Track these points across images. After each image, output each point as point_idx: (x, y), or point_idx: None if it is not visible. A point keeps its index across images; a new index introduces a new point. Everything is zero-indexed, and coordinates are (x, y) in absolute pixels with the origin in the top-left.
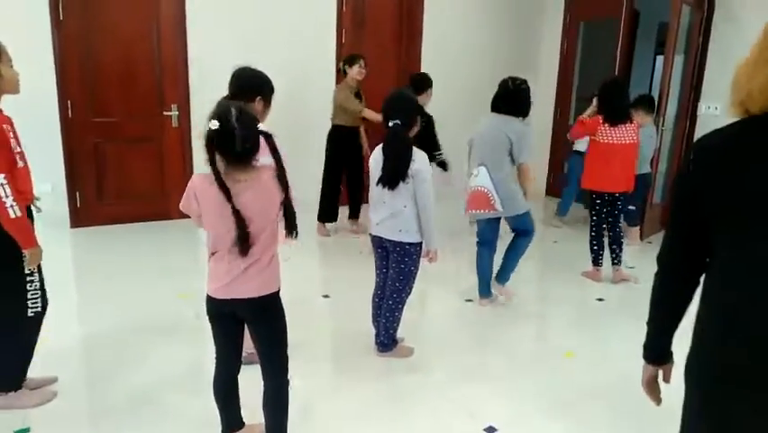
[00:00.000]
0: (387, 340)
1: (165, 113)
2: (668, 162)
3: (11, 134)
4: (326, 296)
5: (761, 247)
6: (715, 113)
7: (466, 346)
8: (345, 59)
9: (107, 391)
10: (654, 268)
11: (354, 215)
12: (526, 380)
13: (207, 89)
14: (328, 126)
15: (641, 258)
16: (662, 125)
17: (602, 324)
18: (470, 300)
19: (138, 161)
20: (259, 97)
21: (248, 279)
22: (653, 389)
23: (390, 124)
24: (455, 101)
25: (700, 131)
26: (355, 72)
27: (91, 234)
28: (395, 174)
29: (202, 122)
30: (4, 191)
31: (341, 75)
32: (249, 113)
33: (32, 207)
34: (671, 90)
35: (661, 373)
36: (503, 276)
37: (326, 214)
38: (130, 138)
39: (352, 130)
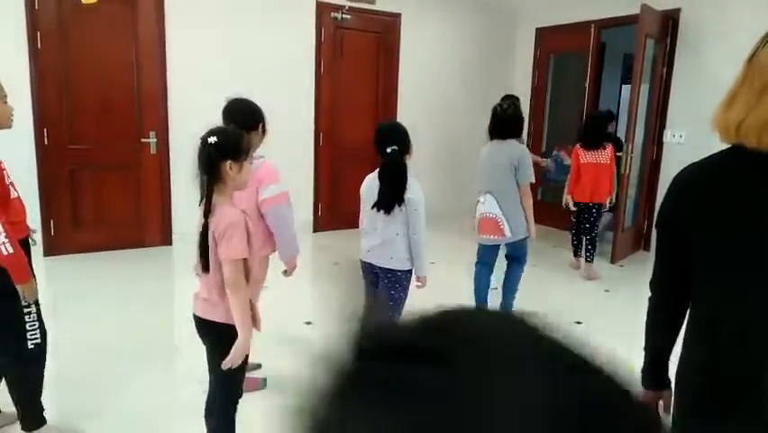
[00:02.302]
0: None
1: (143, 140)
2: (637, 188)
3: (3, 165)
4: (309, 323)
5: (731, 268)
6: (679, 140)
7: None
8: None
9: (86, 422)
10: (628, 291)
11: None
12: None
13: (186, 117)
14: (309, 149)
15: (614, 281)
16: (631, 152)
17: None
18: None
19: (114, 189)
20: (261, 124)
21: (201, 294)
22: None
23: (388, 150)
24: (432, 133)
25: (666, 157)
26: None
27: (65, 263)
28: (392, 198)
29: (179, 149)
30: None
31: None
32: (224, 131)
33: (30, 240)
34: (637, 118)
35: (661, 402)
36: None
37: None
38: (106, 165)
39: None
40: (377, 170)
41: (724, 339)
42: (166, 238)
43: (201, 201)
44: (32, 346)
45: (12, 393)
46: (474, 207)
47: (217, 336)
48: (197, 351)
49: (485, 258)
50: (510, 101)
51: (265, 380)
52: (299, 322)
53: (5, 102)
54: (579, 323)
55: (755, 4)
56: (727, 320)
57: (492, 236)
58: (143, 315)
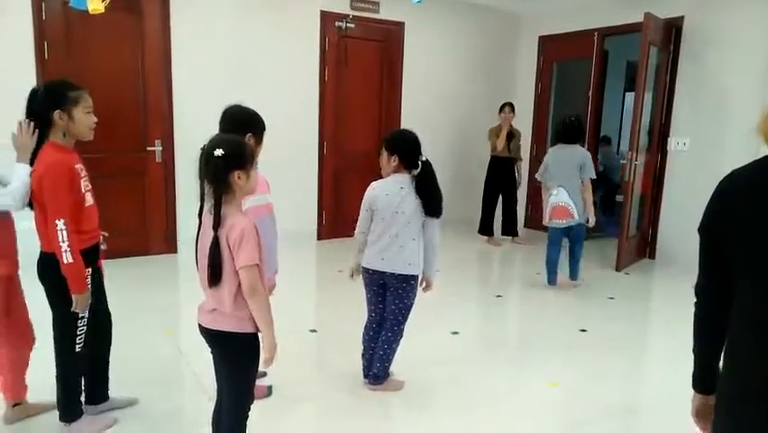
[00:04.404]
0: (381, 373)
1: (149, 148)
2: (641, 195)
3: (82, 173)
4: (314, 330)
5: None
6: (683, 148)
7: (454, 379)
8: (501, 106)
9: None
10: (633, 299)
11: (511, 232)
12: (514, 410)
13: (191, 125)
14: (313, 157)
15: (619, 289)
16: (635, 160)
17: (584, 353)
18: (456, 333)
19: (120, 197)
20: (249, 134)
21: (206, 307)
22: (704, 420)
23: (424, 158)
24: (435, 140)
25: (671, 165)
26: (500, 117)
27: None
28: (439, 203)
29: (184, 157)
30: (62, 237)
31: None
32: (220, 142)
33: (100, 245)
34: (641, 126)
35: (712, 405)
36: (575, 274)
37: (485, 229)
38: (112, 173)
39: (505, 161)
40: (391, 178)
41: (764, 343)
42: (171, 246)
43: (200, 212)
44: (79, 349)
45: (57, 383)
46: (546, 198)
47: (229, 346)
48: (203, 359)
49: (555, 239)
50: (574, 115)
51: (270, 387)
52: (304, 330)
53: (89, 113)
54: (583, 331)
55: (758, 11)
56: (764, 327)
57: (564, 220)
58: (149, 323)
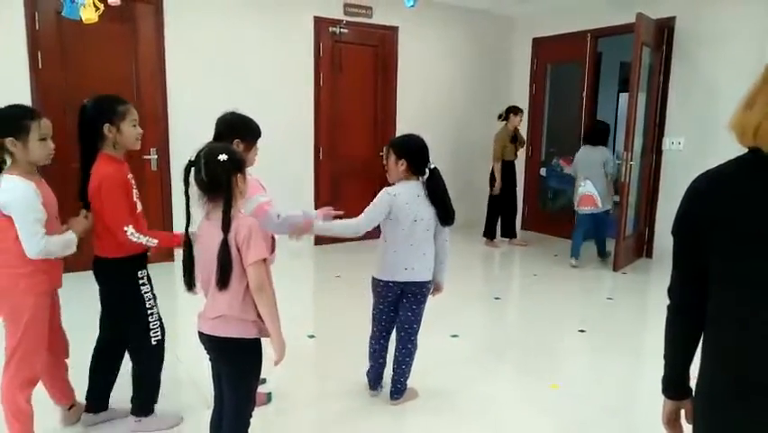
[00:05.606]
0: (403, 387)
1: (144, 156)
2: (637, 195)
3: (132, 182)
4: (312, 336)
5: (749, 270)
6: (678, 147)
7: (454, 382)
8: (508, 108)
9: None
10: (631, 299)
11: (509, 234)
12: (514, 413)
13: (187, 133)
14: (309, 163)
15: (617, 289)
16: (630, 160)
17: (583, 355)
18: (455, 336)
19: None
20: (237, 140)
21: (210, 314)
22: (674, 427)
23: (432, 166)
24: (431, 144)
25: (666, 164)
26: (517, 121)
27: (69, 281)
28: (451, 210)
29: (180, 166)
30: (137, 238)
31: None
32: (221, 148)
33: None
34: (636, 126)
35: (683, 411)
36: (602, 253)
37: (489, 232)
38: None
39: (506, 164)
40: (406, 185)
41: (746, 342)
42: (168, 254)
43: (187, 225)
44: (155, 343)
45: (133, 380)
46: (575, 189)
47: (232, 352)
48: (201, 367)
49: (581, 224)
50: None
51: (270, 394)
52: (302, 336)
53: (135, 125)
54: (582, 331)
55: (748, 10)
56: (748, 326)
57: (590, 207)
58: None
